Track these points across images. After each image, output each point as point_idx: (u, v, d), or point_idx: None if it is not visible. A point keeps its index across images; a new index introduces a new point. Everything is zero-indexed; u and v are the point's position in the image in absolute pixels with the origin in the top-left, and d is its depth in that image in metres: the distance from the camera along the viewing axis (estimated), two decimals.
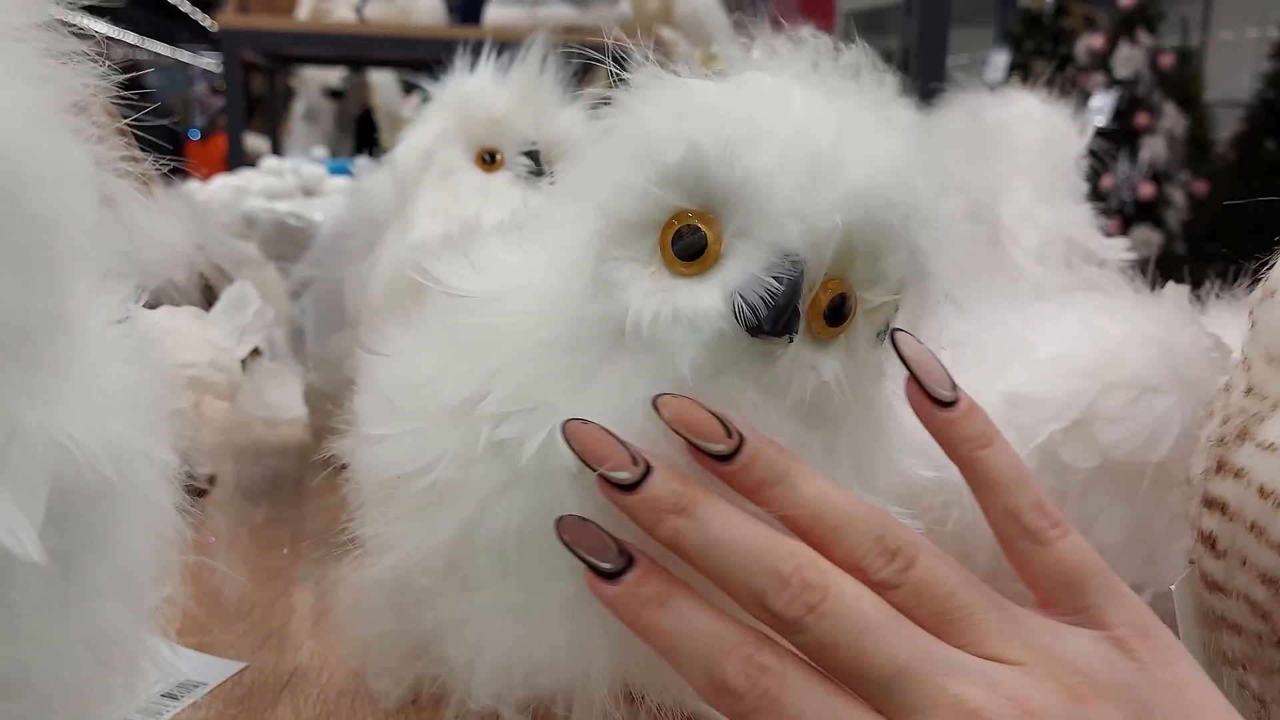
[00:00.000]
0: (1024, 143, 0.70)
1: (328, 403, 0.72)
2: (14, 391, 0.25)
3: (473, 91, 0.62)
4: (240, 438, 0.81)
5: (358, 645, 0.45)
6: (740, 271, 0.30)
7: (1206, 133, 3.94)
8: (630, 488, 0.29)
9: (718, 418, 0.29)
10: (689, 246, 0.31)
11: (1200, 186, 3.78)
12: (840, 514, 0.29)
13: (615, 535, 0.30)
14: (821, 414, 0.32)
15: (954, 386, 0.31)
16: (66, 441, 0.26)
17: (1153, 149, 3.68)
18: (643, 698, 0.40)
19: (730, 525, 0.28)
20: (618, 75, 0.35)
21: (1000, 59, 4.27)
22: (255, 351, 0.74)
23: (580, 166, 0.37)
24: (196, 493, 0.68)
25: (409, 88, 2.81)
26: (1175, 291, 0.50)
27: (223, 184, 1.24)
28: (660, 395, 0.30)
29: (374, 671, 0.44)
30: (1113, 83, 3.75)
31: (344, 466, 0.42)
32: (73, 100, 0.28)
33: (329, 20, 2.15)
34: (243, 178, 1.29)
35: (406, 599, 0.38)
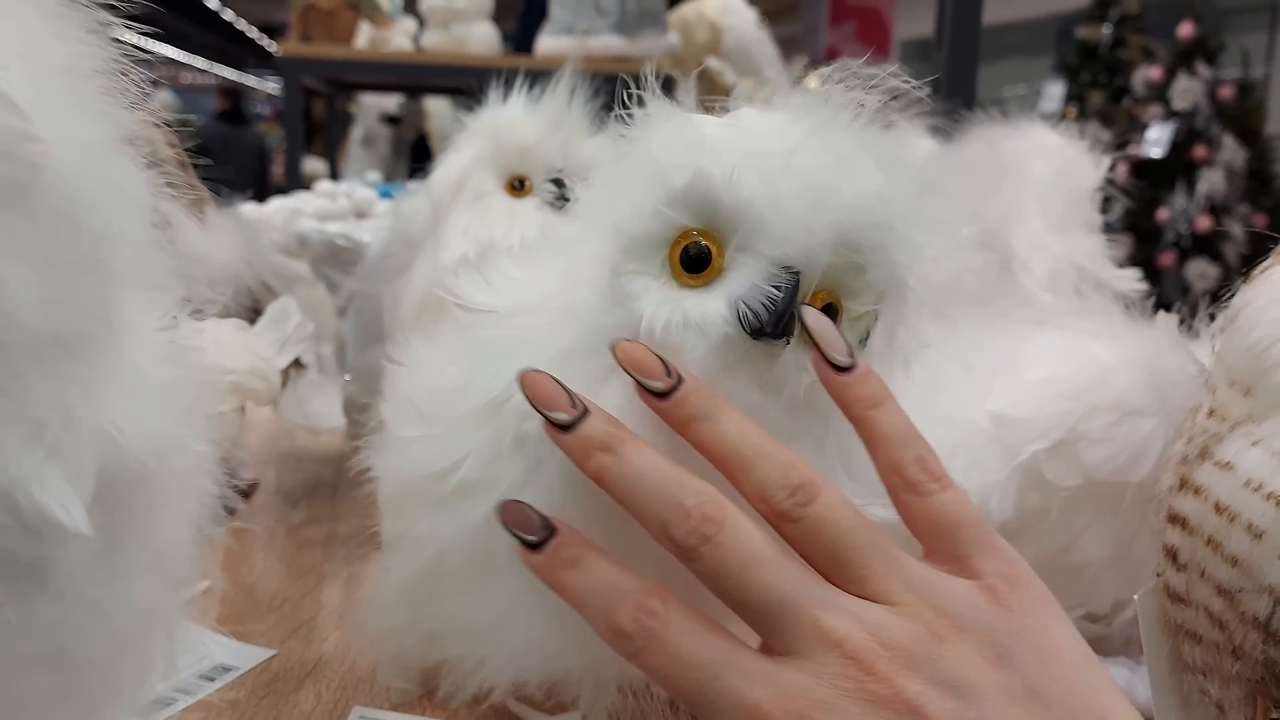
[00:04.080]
0: (1038, 174, 0.72)
1: (363, 413, 0.77)
2: (69, 385, 0.29)
3: (504, 122, 0.65)
4: (283, 445, 0.85)
5: (370, 638, 0.48)
6: (742, 282, 0.34)
7: (1267, 165, 3.87)
8: (568, 428, 0.32)
9: (661, 360, 0.33)
10: (695, 260, 0.35)
11: (1260, 220, 3.72)
12: (755, 449, 0.32)
13: (544, 513, 0.33)
14: (813, 410, 0.35)
15: (850, 354, 0.34)
16: (113, 431, 0.30)
17: (1211, 182, 3.63)
18: (649, 689, 0.43)
19: (648, 464, 0.32)
20: (632, 108, 0.38)
21: (1056, 90, 4.25)
22: (300, 364, 0.79)
23: (596, 190, 0.41)
24: (240, 494, 0.73)
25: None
26: (1166, 319, 0.51)
27: (278, 205, 1.29)
28: (616, 340, 0.34)
29: (385, 663, 0.48)
30: (1170, 114, 3.71)
31: (369, 470, 0.46)
32: (128, 132, 0.32)
33: (386, 49, 2.23)
34: (297, 199, 1.34)
35: (419, 594, 0.41)
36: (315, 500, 0.74)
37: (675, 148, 0.36)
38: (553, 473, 0.35)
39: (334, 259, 1.12)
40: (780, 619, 0.30)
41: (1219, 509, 0.37)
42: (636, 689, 0.42)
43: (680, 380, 0.33)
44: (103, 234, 0.29)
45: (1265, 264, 0.40)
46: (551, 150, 0.65)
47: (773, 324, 0.33)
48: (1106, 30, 4.14)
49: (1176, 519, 0.39)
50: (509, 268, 0.42)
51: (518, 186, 0.65)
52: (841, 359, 0.33)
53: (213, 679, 0.48)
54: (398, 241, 0.72)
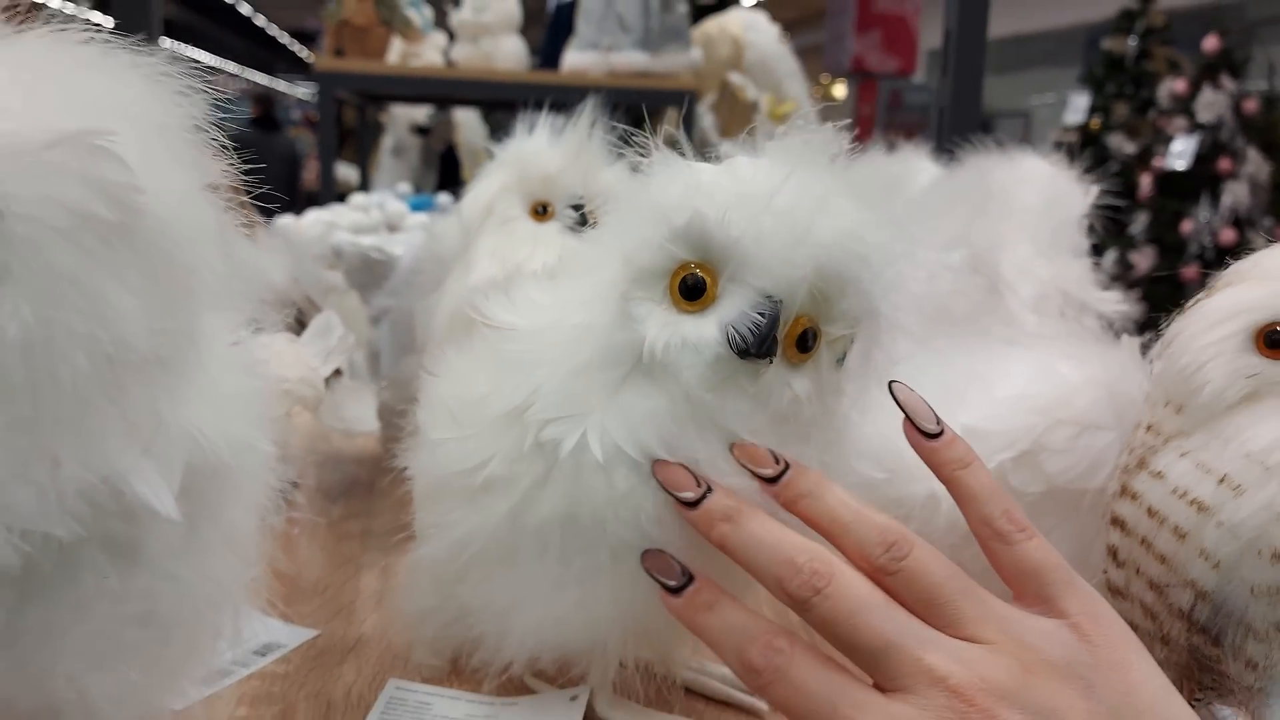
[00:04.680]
0: (1027, 202, 0.76)
1: (398, 418, 0.83)
2: (161, 393, 0.35)
3: (529, 152, 0.71)
4: (322, 446, 0.91)
5: (405, 619, 0.53)
6: (732, 309, 0.39)
7: None
8: (693, 504, 0.38)
9: (771, 453, 0.38)
10: (692, 289, 0.40)
11: None
12: (853, 514, 0.37)
13: (683, 563, 0.38)
14: (795, 422, 0.40)
15: (938, 421, 0.39)
16: (195, 433, 0.36)
17: (1235, 194, 3.63)
18: (649, 669, 0.48)
19: (764, 529, 0.36)
20: (638, 154, 0.44)
21: (1080, 101, 4.26)
22: (336, 371, 0.85)
23: (608, 225, 0.47)
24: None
25: (493, 128, 2.97)
26: (1129, 341, 0.56)
27: (315, 219, 1.36)
28: (735, 442, 0.39)
29: (417, 642, 0.53)
30: (1195, 127, 3.72)
31: (405, 469, 0.51)
32: (210, 177, 0.37)
33: (418, 62, 2.30)
34: (333, 213, 1.41)
35: (449, 578, 0.47)
36: (352, 497, 0.80)
37: (675, 191, 0.41)
38: (566, 475, 0.41)
39: (367, 270, 1.19)
40: (887, 659, 0.33)
41: (1151, 513, 0.42)
42: (639, 667, 0.47)
43: (786, 466, 0.38)
44: (191, 267, 0.35)
45: (1199, 296, 0.45)
46: (572, 179, 0.70)
47: (757, 345, 0.38)
48: (1132, 42, 4.15)
49: (1117, 521, 0.44)
50: (531, 290, 0.48)
51: (541, 212, 0.71)
52: (930, 427, 0.38)
53: (264, 654, 0.54)
54: (430, 260, 0.78)
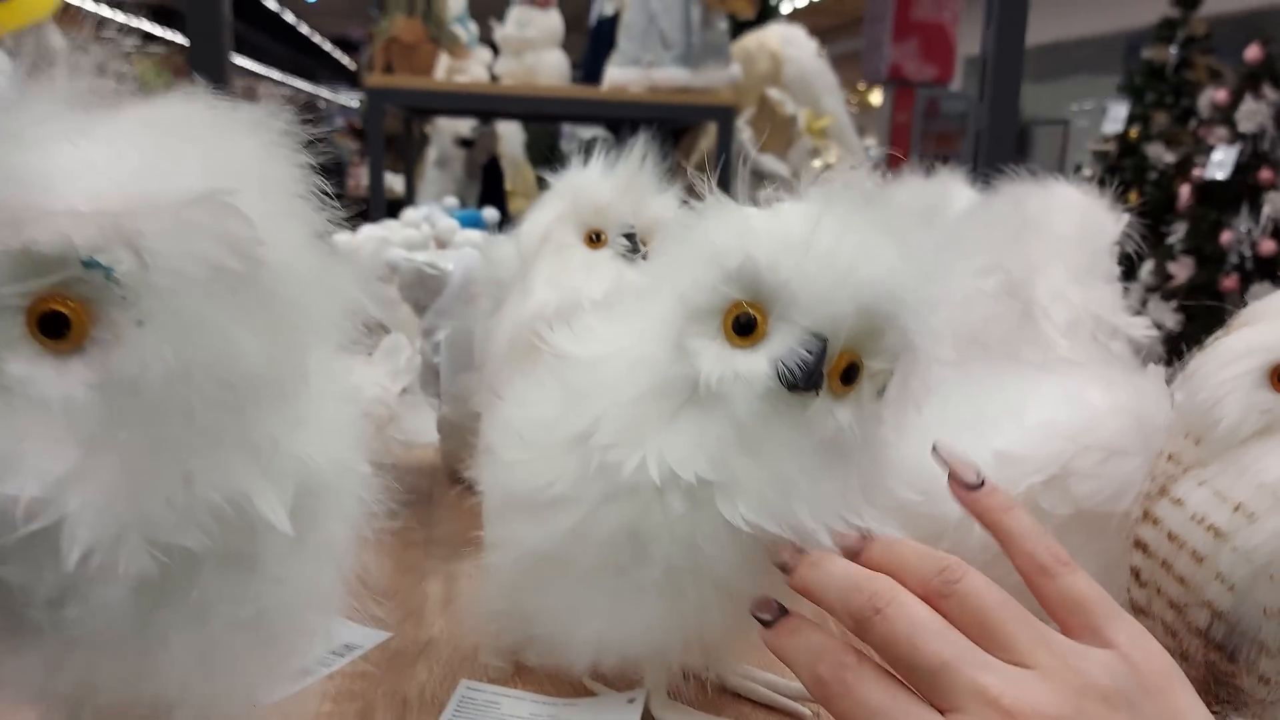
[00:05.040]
0: (1060, 229, 0.79)
1: (456, 432, 0.87)
2: (277, 421, 0.39)
3: (583, 183, 0.75)
4: (382, 458, 0.96)
5: (474, 623, 0.58)
6: (782, 345, 0.43)
7: None
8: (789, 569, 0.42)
9: (860, 533, 0.42)
10: (744, 326, 0.44)
11: None
12: (912, 552, 0.40)
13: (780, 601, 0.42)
14: (839, 448, 0.44)
15: (979, 473, 0.42)
16: (304, 455, 0.40)
17: (1275, 205, 3.60)
18: (700, 677, 0.52)
19: (834, 565, 0.40)
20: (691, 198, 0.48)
21: (1119, 110, 4.24)
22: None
23: (664, 263, 0.50)
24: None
25: (532, 137, 3.03)
26: (1155, 370, 0.59)
27: (368, 235, 1.42)
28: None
29: (486, 645, 0.58)
30: (1236, 137, 3.69)
31: (472, 486, 0.55)
32: (318, 228, 0.42)
33: (463, 78, 2.35)
34: (385, 228, 1.46)
35: (516, 586, 0.51)
36: (413, 507, 0.85)
37: (728, 235, 0.45)
38: (625, 495, 0.45)
39: (421, 285, 1.24)
40: (942, 679, 0.35)
41: (1171, 537, 0.46)
42: (690, 672, 0.51)
43: (865, 538, 0.42)
44: (303, 309, 0.40)
45: (1218, 334, 0.48)
46: (624, 208, 0.75)
47: (805, 380, 0.42)
48: (1173, 51, 4.13)
49: (1140, 544, 0.48)
50: (592, 322, 0.52)
51: (595, 240, 0.75)
52: (973, 480, 0.42)
53: (342, 655, 0.58)
54: (489, 283, 0.83)
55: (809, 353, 0.42)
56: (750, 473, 0.43)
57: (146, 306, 0.35)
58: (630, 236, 0.74)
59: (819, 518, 0.43)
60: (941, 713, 0.35)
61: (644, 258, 0.72)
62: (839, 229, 0.44)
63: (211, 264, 0.35)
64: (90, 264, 0.34)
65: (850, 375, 0.44)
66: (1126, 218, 0.81)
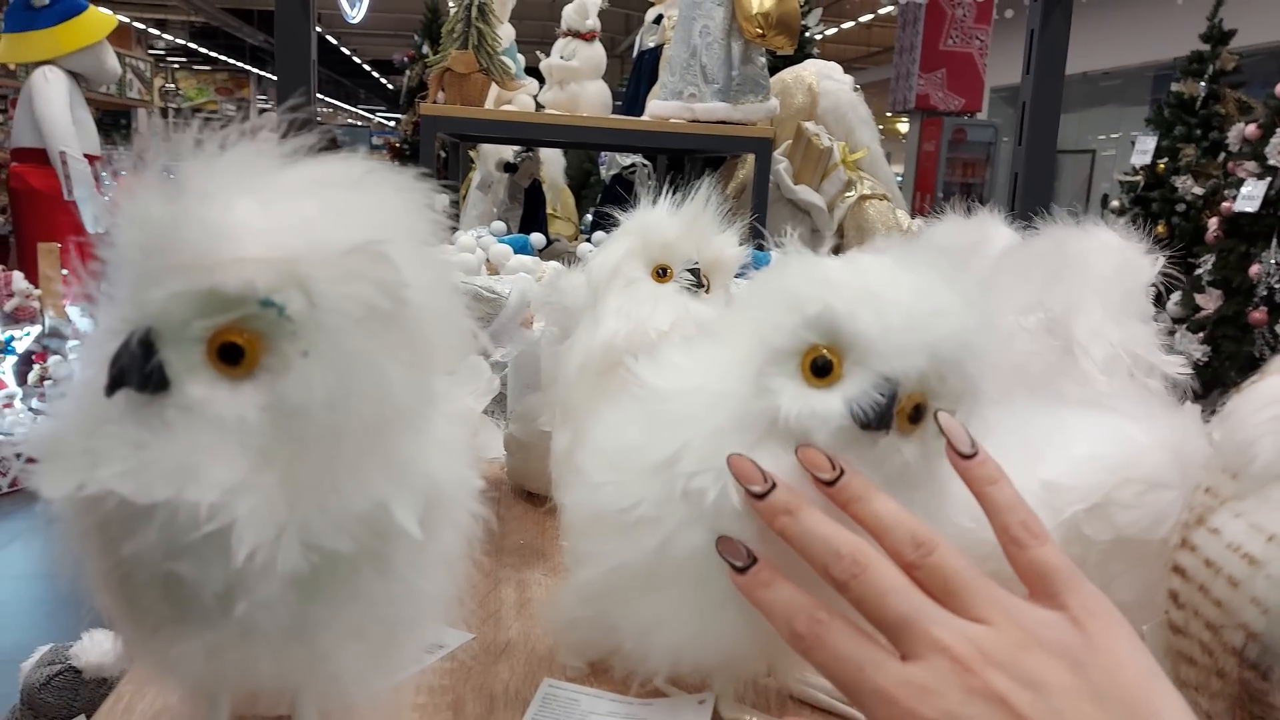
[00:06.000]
0: (1099, 269, 0.84)
1: (523, 449, 0.92)
2: (414, 440, 0.44)
3: (651, 222, 0.80)
4: None
5: (553, 627, 0.62)
6: (855, 387, 0.47)
7: None
8: (761, 496, 0.46)
9: (828, 458, 0.46)
10: (821, 368, 0.48)
11: None
12: (892, 518, 0.44)
13: (748, 546, 0.46)
14: (905, 481, 0.48)
15: (973, 444, 0.46)
16: (429, 471, 0.45)
17: None
18: (762, 682, 0.56)
19: (817, 523, 0.44)
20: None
21: (1148, 143, 4.26)
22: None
23: (745, 305, 0.55)
24: None
25: (570, 162, 3.08)
26: (1191, 408, 0.63)
27: None
28: (800, 447, 0.47)
29: (564, 647, 0.62)
30: (1266, 170, 3.71)
31: (538, 500, 0.60)
32: (445, 270, 0.47)
33: (510, 105, 2.43)
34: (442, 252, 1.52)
35: (599, 596, 0.56)
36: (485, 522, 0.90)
37: (809, 284, 0.50)
38: (708, 518, 0.49)
39: (476, 309, 1.30)
40: (905, 631, 0.40)
41: (1208, 564, 0.50)
42: (756, 681, 0.56)
43: (842, 471, 0.45)
44: (433, 343, 0.45)
45: (1255, 378, 0.53)
46: (689, 245, 0.80)
47: (877, 420, 0.47)
48: (1202, 85, 4.16)
49: (1178, 569, 0.52)
50: (674, 356, 0.57)
51: (661, 274, 0.80)
52: (966, 449, 0.46)
53: (432, 653, 0.63)
54: (557, 311, 0.88)
55: (882, 395, 0.46)
56: (823, 501, 0.47)
57: (312, 340, 0.40)
58: (694, 271, 0.79)
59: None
60: (903, 659, 0.40)
61: (707, 291, 0.77)
62: (913, 282, 0.48)
63: (367, 304, 0.41)
64: (267, 303, 0.39)
65: (917, 415, 0.48)
66: (1161, 260, 0.85)
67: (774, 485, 0.46)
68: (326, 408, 0.40)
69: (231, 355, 0.40)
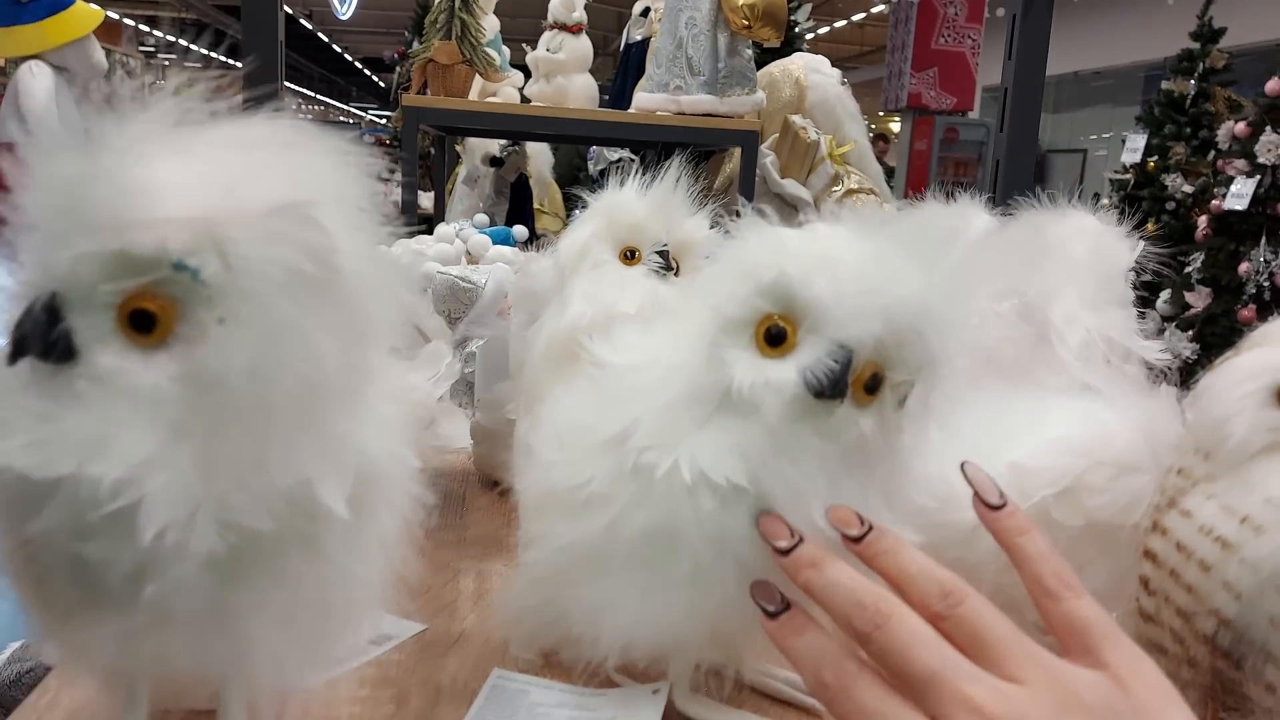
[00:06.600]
0: (1076, 254, 0.82)
1: (490, 437, 0.90)
2: (346, 417, 0.42)
3: (619, 202, 0.78)
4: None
5: (505, 617, 0.60)
6: (810, 356, 0.45)
7: None
8: (786, 552, 0.43)
9: (857, 515, 0.43)
10: (775, 337, 0.47)
11: None
12: (918, 569, 0.41)
13: (782, 592, 0.43)
14: (860, 455, 0.46)
15: (1001, 495, 0.44)
16: (364, 448, 0.43)
17: None
18: (721, 670, 0.54)
19: (842, 575, 0.41)
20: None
21: (1138, 141, 4.26)
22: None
23: (701, 280, 0.53)
24: None
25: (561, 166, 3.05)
26: (1166, 390, 0.61)
27: (403, 248, 1.45)
28: (830, 507, 0.44)
29: (516, 638, 0.60)
30: (1255, 169, 3.70)
31: (504, 490, 0.58)
32: (382, 238, 0.45)
33: (495, 99, 2.40)
34: (420, 243, 1.50)
35: (550, 581, 0.54)
36: (446, 510, 0.87)
37: (763, 252, 0.48)
38: (658, 495, 0.47)
39: (454, 298, 1.28)
40: (932, 688, 0.36)
41: (1180, 548, 0.48)
42: (712, 667, 0.53)
43: (870, 528, 0.43)
44: (370, 314, 0.43)
45: (1227, 355, 0.51)
46: (657, 227, 0.77)
47: (830, 387, 0.45)
48: (1192, 84, 4.15)
49: (1149, 554, 0.50)
50: (630, 334, 0.55)
51: (629, 256, 0.78)
52: (995, 500, 0.43)
53: (380, 644, 0.61)
54: (525, 296, 0.86)
55: (836, 363, 0.45)
56: (777, 476, 0.45)
57: (229, 306, 0.38)
58: (663, 254, 0.77)
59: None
60: None
61: (676, 274, 0.75)
62: (868, 248, 0.47)
63: (291, 269, 0.38)
64: (180, 266, 0.37)
65: (873, 385, 0.46)
66: (1141, 244, 0.83)
67: (800, 540, 0.43)
68: (246, 379, 0.38)
69: (143, 323, 0.38)
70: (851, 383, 0.45)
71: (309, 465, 0.40)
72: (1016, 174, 1.04)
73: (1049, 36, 1.12)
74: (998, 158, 1.05)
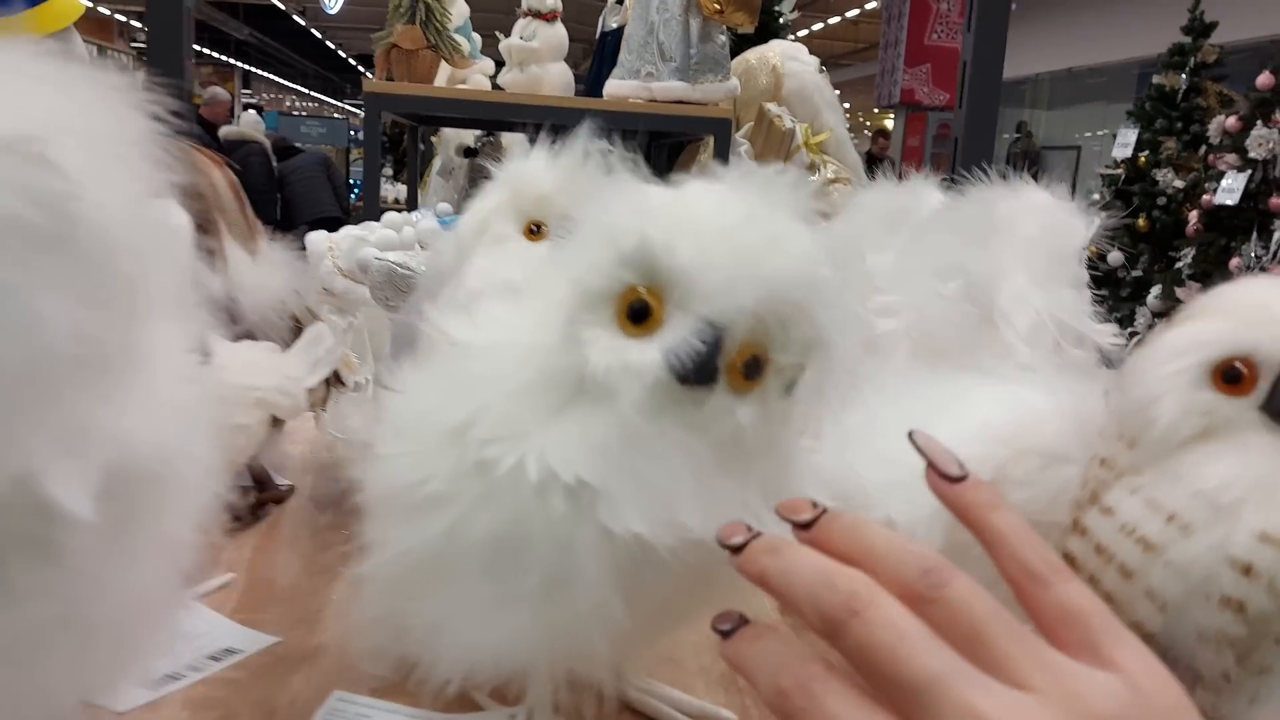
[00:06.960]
0: (1026, 232, 0.75)
1: None
2: (92, 398, 0.35)
3: (525, 172, 0.72)
4: (323, 455, 0.92)
5: (352, 630, 0.53)
6: (675, 335, 0.39)
7: None
8: (740, 547, 0.34)
9: (811, 501, 0.35)
10: (637, 313, 0.40)
11: None
12: (888, 545, 0.33)
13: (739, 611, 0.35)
14: (739, 449, 0.40)
15: (961, 465, 0.36)
16: (127, 438, 0.36)
17: None
18: (583, 686, 0.47)
19: (804, 556, 0.33)
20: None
21: (1129, 135, 4.19)
22: (340, 382, 0.86)
23: (565, 248, 0.47)
24: (276, 500, 0.80)
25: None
26: (1108, 374, 0.55)
27: (346, 233, 1.39)
28: (779, 502, 0.35)
29: (363, 652, 0.53)
30: (1246, 163, 3.63)
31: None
32: (167, 187, 0.38)
33: (464, 86, 2.34)
34: (364, 228, 1.43)
35: (390, 593, 0.47)
36: (343, 508, 0.81)
37: (626, 214, 0.41)
38: (503, 495, 0.41)
39: (391, 285, 1.20)
40: (929, 696, 0.30)
41: (1099, 550, 0.41)
42: (577, 685, 0.47)
43: (824, 510, 0.35)
44: (134, 277, 0.36)
45: (1159, 327, 0.44)
46: (567, 200, 0.71)
47: (695, 371, 0.38)
48: (1183, 78, 4.09)
49: (1067, 557, 0.43)
50: (495, 308, 0.49)
51: (534, 231, 0.72)
52: (954, 471, 0.35)
53: (219, 659, 0.54)
54: (430, 274, 0.79)
55: (703, 343, 0.38)
56: (636, 475, 0.39)
57: None
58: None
59: (711, 525, 0.38)
60: None
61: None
62: (745, 211, 0.40)
63: (8, 217, 0.32)
64: None
65: (754, 370, 0.40)
66: (1097, 221, 0.76)
67: (757, 535, 0.35)
68: None
69: None
70: (725, 367, 0.39)
71: (35, 456, 0.34)
72: (975, 149, 0.98)
73: (1009, 7, 1.05)
74: (956, 135, 0.99)
